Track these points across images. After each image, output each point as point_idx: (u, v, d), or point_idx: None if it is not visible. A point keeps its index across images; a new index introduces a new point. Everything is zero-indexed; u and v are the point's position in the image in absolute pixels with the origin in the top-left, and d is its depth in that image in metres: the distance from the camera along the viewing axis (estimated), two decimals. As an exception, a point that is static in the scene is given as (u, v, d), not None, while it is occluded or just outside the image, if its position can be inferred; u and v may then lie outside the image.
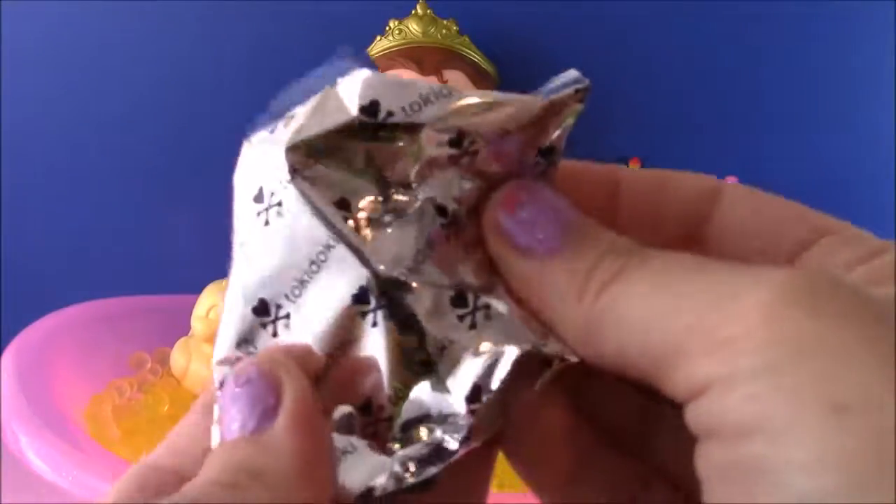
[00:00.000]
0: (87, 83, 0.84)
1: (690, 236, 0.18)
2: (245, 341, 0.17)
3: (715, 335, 0.13)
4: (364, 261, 0.16)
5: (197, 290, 0.72)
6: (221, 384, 0.15)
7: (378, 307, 0.16)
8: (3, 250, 0.85)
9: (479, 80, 0.76)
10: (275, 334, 0.17)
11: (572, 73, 0.17)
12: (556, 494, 0.19)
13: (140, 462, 0.16)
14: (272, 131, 0.17)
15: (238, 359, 0.16)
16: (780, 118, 0.86)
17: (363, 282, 0.16)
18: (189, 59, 0.84)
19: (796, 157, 0.87)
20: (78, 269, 0.86)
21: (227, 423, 0.14)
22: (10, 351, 0.61)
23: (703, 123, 0.87)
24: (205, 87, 0.83)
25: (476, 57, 0.77)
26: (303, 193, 0.16)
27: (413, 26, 0.75)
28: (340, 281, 0.16)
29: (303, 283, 0.16)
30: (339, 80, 0.17)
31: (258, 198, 0.17)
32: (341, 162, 0.17)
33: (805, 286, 0.13)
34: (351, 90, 0.16)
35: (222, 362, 0.17)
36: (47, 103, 0.84)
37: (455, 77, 0.74)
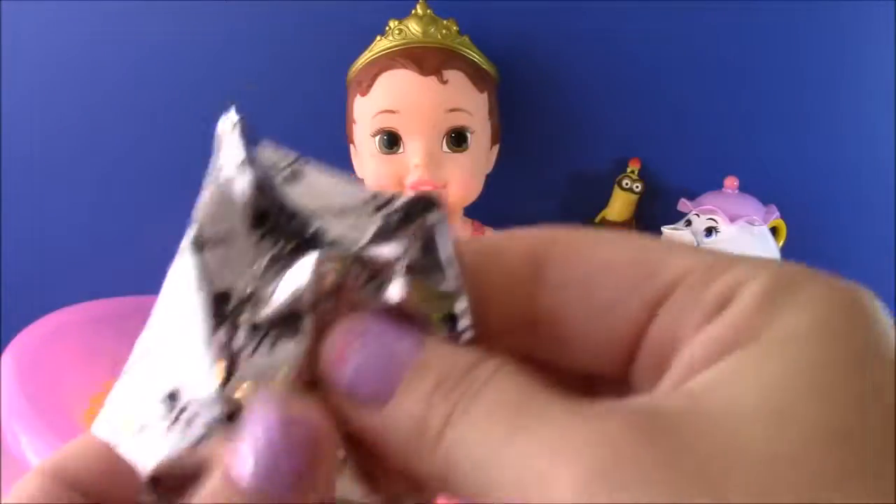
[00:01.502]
0: (88, 84, 0.83)
1: (524, 315, 0.16)
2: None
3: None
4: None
5: (197, 290, 0.72)
6: None
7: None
8: (3, 250, 0.85)
9: (479, 80, 0.76)
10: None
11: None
12: None
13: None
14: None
15: None
16: (780, 118, 0.86)
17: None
18: (188, 59, 0.83)
19: (796, 158, 0.87)
20: (78, 269, 0.86)
21: None
22: (9, 351, 0.61)
23: (703, 123, 0.87)
24: (205, 88, 0.83)
25: (476, 57, 0.76)
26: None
27: (413, 26, 0.75)
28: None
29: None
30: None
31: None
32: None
33: (642, 441, 0.12)
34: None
35: None
36: (47, 104, 0.84)
37: (455, 77, 0.74)
